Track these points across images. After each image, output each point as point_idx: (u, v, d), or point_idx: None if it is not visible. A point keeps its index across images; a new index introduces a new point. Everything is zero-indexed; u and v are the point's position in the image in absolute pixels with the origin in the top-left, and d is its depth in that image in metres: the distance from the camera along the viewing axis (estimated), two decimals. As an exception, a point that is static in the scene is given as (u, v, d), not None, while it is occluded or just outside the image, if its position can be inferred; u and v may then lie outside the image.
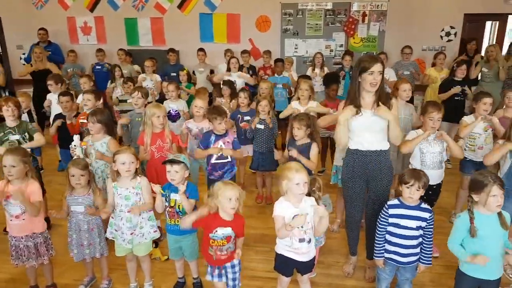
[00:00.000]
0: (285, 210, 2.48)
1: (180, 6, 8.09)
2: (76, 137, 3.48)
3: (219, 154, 3.62)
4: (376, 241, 2.72)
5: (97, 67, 7.65)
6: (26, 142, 3.75)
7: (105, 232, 3.01)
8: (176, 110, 5.06)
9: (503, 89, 6.16)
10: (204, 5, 8.02)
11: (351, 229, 3.21)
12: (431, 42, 7.70)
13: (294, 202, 2.49)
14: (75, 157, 3.33)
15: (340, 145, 3.05)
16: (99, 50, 7.79)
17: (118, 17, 8.24)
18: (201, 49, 7.35)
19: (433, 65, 6.63)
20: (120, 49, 7.61)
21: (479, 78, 6.51)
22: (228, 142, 3.66)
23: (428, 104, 3.47)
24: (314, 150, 3.44)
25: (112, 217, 2.93)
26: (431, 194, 3.32)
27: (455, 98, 5.42)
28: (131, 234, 2.89)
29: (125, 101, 5.51)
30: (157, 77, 6.69)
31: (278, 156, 3.68)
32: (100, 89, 6.87)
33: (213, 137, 3.65)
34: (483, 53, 7.45)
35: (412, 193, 2.55)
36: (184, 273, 3.17)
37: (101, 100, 4.91)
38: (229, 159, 3.67)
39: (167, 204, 2.83)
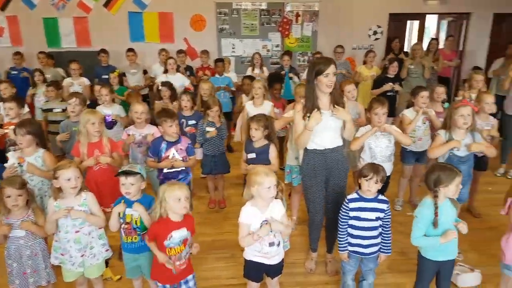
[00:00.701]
0: (252, 217, 2.41)
1: (106, 5, 7.60)
2: (11, 154, 3.08)
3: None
4: (339, 236, 2.73)
5: (13, 72, 6.91)
6: None
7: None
8: (110, 115, 4.59)
9: (428, 83, 6.64)
10: (133, 3, 7.61)
11: (315, 227, 3.20)
12: (360, 41, 8.05)
13: (261, 206, 2.42)
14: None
15: (301, 148, 3.01)
16: (17, 53, 7.07)
17: (36, 16, 7.52)
18: (130, 49, 6.95)
19: (364, 63, 6.92)
20: (41, 52, 6.96)
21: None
22: (181, 149, 3.44)
23: (372, 100, 3.59)
24: (274, 152, 3.36)
25: (56, 240, 2.61)
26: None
27: (387, 94, 5.72)
28: (82, 256, 2.60)
29: (51, 110, 4.99)
30: (86, 81, 6.22)
31: (243, 169, 3.45)
32: (19, 95, 6.25)
33: (164, 145, 3.41)
34: (405, 50, 8.05)
35: (370, 186, 2.59)
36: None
37: (26, 108, 4.44)
38: (183, 167, 3.47)
39: (121, 220, 2.57)
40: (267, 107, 4.34)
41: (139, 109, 3.75)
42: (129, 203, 2.56)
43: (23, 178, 2.64)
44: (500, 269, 2.63)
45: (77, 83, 6.02)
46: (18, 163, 3.09)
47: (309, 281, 3.23)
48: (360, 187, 2.64)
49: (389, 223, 2.68)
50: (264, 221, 2.39)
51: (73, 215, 2.50)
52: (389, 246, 2.70)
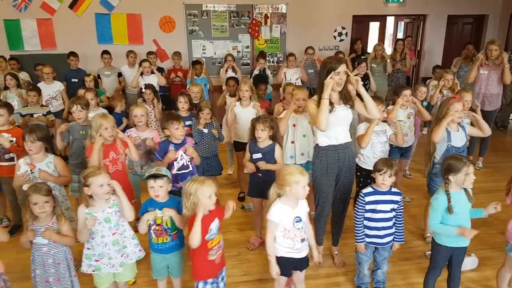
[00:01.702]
0: (282, 215, 2.52)
1: (72, 6, 7.32)
2: (23, 161, 2.98)
3: (180, 164, 3.43)
4: (356, 228, 2.91)
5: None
6: None
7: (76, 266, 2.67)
8: None
9: (389, 81, 7.11)
10: (100, 4, 7.39)
11: (322, 222, 3.36)
12: (326, 42, 8.36)
13: (292, 204, 2.54)
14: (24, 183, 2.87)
15: (323, 128, 2.97)
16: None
17: (-5, 18, 7.11)
18: (106, 52, 6.89)
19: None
20: (0, 56, 6.59)
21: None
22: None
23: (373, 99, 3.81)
24: (279, 151, 3.48)
25: (89, 248, 2.59)
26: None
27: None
28: (122, 256, 2.62)
29: (31, 115, 4.81)
30: (61, 85, 5.99)
31: (250, 168, 3.49)
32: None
33: (172, 147, 3.44)
34: (369, 50, 8.49)
35: (385, 179, 2.79)
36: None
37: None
38: (190, 169, 3.50)
39: (152, 222, 2.61)
40: (254, 108, 4.45)
41: (138, 112, 3.74)
42: (158, 206, 2.61)
43: (48, 185, 2.58)
44: (506, 252, 2.84)
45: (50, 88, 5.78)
46: (31, 170, 3.02)
47: (319, 273, 3.39)
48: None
49: (402, 213, 2.90)
50: (297, 217, 2.53)
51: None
52: (402, 235, 2.92)
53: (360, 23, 8.62)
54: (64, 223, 2.57)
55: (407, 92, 4.29)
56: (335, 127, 3.02)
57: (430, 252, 2.90)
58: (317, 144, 3.19)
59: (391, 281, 3.24)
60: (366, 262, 3.01)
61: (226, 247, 3.70)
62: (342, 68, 2.90)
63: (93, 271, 2.62)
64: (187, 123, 4.43)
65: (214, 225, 2.47)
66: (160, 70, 6.86)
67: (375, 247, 2.97)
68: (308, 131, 3.77)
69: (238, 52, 8.11)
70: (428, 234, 3.74)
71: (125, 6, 7.48)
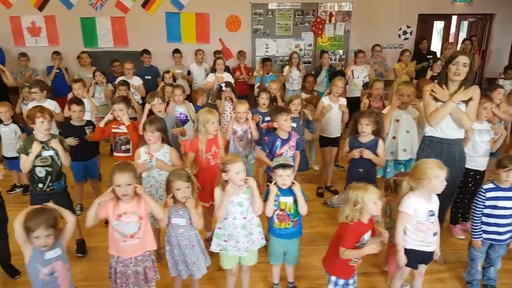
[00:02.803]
0: (417, 207, 2.55)
1: (144, 5, 7.60)
2: (143, 150, 3.17)
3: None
4: (474, 224, 2.91)
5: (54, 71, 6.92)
6: (59, 158, 3.27)
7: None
8: (184, 114, 4.82)
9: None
10: (170, 4, 7.63)
11: None
12: (390, 40, 8.28)
13: (426, 197, 2.57)
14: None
15: (435, 123, 3.09)
16: (56, 53, 7.04)
17: (73, 16, 7.45)
18: (177, 51, 7.13)
19: (399, 61, 7.18)
20: (83, 52, 6.97)
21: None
22: (292, 146, 3.61)
23: None
24: (382, 147, 3.51)
25: (220, 228, 2.73)
26: (478, 179, 3.67)
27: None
28: (248, 242, 2.73)
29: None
30: (139, 80, 6.25)
31: (355, 154, 3.52)
32: (58, 96, 6.23)
33: (279, 142, 3.56)
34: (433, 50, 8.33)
35: (509, 176, 2.77)
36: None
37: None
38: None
39: (276, 207, 2.74)
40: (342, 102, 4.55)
41: (241, 109, 3.89)
42: (284, 192, 2.73)
43: (187, 172, 2.73)
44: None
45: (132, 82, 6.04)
46: (150, 160, 3.19)
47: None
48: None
49: (523, 210, 2.88)
50: (431, 211, 2.55)
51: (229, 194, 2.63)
52: (521, 232, 2.90)
53: (424, 22, 8.47)
54: (198, 206, 2.71)
55: (501, 91, 4.23)
56: (447, 120, 3.05)
57: None
58: (424, 135, 3.21)
59: (500, 279, 3.21)
60: (480, 259, 3.00)
61: (317, 240, 3.83)
62: (461, 59, 2.93)
63: (221, 250, 2.76)
64: (267, 118, 4.56)
65: (367, 236, 2.51)
66: (227, 68, 7.01)
67: (491, 244, 2.95)
68: (411, 127, 3.79)
69: (300, 50, 8.16)
70: None
71: (194, 5, 7.68)
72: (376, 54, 7.19)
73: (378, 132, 3.53)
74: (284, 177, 2.69)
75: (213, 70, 6.36)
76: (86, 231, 3.47)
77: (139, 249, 2.58)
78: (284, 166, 2.69)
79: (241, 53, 7.48)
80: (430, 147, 3.13)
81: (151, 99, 4.12)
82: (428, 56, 7.65)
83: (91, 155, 4.27)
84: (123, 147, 3.87)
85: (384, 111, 3.87)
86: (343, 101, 4.53)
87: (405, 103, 3.74)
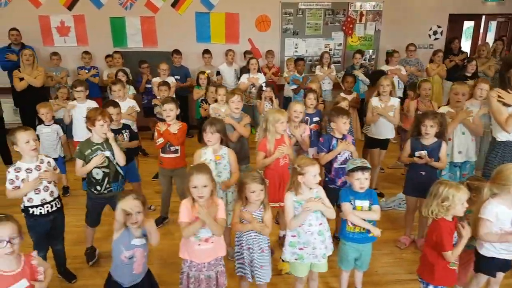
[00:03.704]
0: (499, 214, 2.46)
1: (174, 5, 7.53)
2: (209, 151, 3.10)
3: (343, 158, 3.44)
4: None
5: (83, 71, 6.89)
6: (114, 158, 3.22)
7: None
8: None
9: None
10: (200, 3, 7.56)
11: None
12: (420, 40, 8.14)
13: (509, 205, 2.47)
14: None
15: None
16: (86, 52, 7.01)
17: (102, 16, 7.39)
18: (207, 51, 7.10)
19: (431, 61, 7.07)
20: (116, 52, 6.95)
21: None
22: None
23: None
24: (445, 150, 3.41)
25: (294, 236, 2.63)
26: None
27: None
28: (325, 248, 2.66)
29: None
30: (173, 80, 6.20)
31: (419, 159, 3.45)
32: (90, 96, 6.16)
33: (334, 141, 3.48)
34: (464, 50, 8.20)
35: None
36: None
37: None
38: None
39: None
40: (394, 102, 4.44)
41: (298, 108, 3.80)
42: (360, 196, 2.68)
43: (262, 175, 2.67)
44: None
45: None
46: (214, 161, 3.15)
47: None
48: None
49: None
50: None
51: (315, 207, 2.56)
52: None
53: (453, 22, 8.34)
54: (268, 211, 2.62)
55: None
56: None
57: None
58: (494, 139, 3.11)
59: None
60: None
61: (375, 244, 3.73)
62: None
63: (296, 259, 2.67)
64: (315, 119, 4.48)
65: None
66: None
67: None
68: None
69: (330, 49, 8.07)
70: None
71: (224, 5, 7.59)
72: (410, 53, 7.11)
73: (441, 135, 3.42)
74: (362, 180, 2.62)
75: (246, 70, 6.29)
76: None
77: (212, 254, 2.53)
78: (363, 168, 2.60)
79: (269, 52, 7.41)
80: (506, 151, 3.02)
81: (230, 96, 4.02)
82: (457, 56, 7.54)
83: (129, 159, 4.16)
84: (172, 148, 3.83)
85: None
86: (395, 101, 4.41)
87: (459, 102, 3.64)
